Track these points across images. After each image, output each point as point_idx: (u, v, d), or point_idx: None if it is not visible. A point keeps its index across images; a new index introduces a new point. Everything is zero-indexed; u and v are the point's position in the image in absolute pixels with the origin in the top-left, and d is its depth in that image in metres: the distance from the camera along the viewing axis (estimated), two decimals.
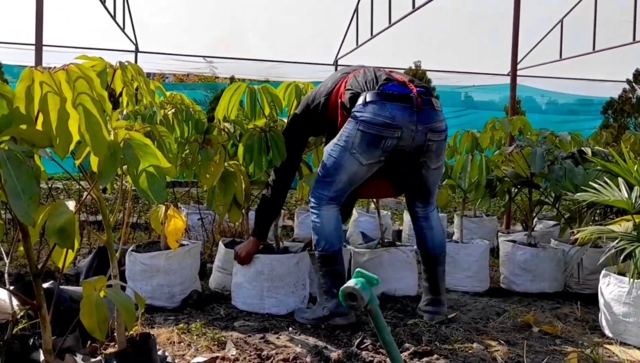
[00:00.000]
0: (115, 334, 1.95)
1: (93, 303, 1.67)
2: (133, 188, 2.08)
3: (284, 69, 11.63)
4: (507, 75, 9.53)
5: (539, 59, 10.15)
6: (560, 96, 13.53)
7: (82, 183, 5.44)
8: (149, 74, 15.29)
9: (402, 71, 9.46)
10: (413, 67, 9.21)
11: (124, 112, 3.17)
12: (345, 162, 2.91)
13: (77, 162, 1.66)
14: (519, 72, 6.48)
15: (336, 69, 11.46)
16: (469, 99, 13.95)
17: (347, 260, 3.78)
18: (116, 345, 1.91)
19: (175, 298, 3.23)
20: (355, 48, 9.95)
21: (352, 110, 2.89)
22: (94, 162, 1.61)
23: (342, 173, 2.94)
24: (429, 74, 9.28)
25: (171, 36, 10.31)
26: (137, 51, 10.39)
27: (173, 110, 3.40)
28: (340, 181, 2.96)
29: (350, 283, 1.38)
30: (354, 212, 5.62)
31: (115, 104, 3.00)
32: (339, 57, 11.11)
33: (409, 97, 2.84)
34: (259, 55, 11.05)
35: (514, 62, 5.64)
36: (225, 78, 11.70)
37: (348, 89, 2.99)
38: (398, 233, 5.70)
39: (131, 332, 2.00)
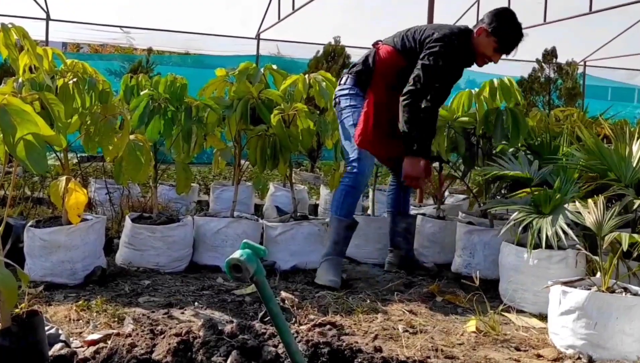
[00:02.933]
0: None
1: None
2: None
3: (204, 41, 11.36)
4: None
5: None
6: (478, 75, 13.86)
7: None
8: (63, 44, 14.57)
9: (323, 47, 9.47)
10: (333, 43, 9.19)
11: (19, 80, 3.00)
12: None
13: None
14: None
15: (258, 43, 11.30)
16: None
17: (260, 234, 3.77)
18: None
19: (78, 274, 3.11)
20: (277, 22, 9.86)
21: None
22: None
23: None
24: (348, 50, 9.31)
25: (86, 4, 9.83)
26: (48, 18, 9.87)
27: (74, 79, 3.23)
28: None
29: (236, 254, 1.36)
30: (270, 186, 5.59)
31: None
32: (261, 30, 10.96)
33: None
34: (178, 27, 10.73)
35: None
36: (143, 50, 11.30)
37: None
38: (315, 207, 5.73)
39: (17, 310, 1.90)
